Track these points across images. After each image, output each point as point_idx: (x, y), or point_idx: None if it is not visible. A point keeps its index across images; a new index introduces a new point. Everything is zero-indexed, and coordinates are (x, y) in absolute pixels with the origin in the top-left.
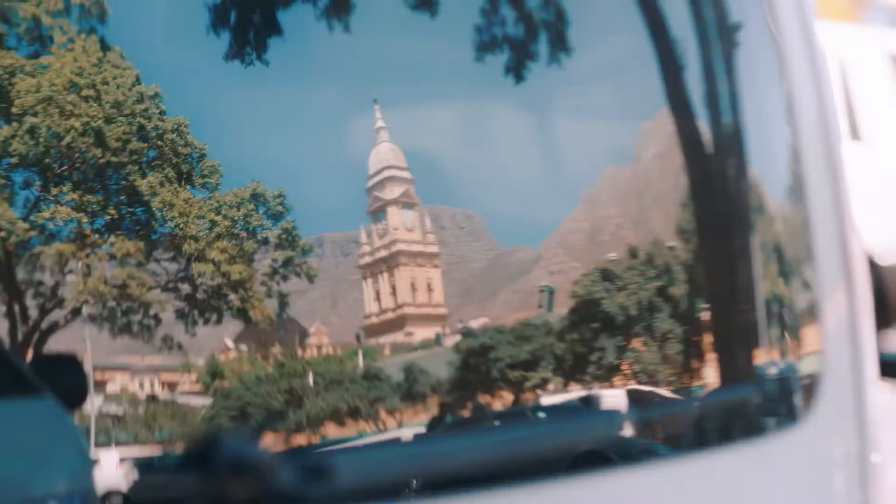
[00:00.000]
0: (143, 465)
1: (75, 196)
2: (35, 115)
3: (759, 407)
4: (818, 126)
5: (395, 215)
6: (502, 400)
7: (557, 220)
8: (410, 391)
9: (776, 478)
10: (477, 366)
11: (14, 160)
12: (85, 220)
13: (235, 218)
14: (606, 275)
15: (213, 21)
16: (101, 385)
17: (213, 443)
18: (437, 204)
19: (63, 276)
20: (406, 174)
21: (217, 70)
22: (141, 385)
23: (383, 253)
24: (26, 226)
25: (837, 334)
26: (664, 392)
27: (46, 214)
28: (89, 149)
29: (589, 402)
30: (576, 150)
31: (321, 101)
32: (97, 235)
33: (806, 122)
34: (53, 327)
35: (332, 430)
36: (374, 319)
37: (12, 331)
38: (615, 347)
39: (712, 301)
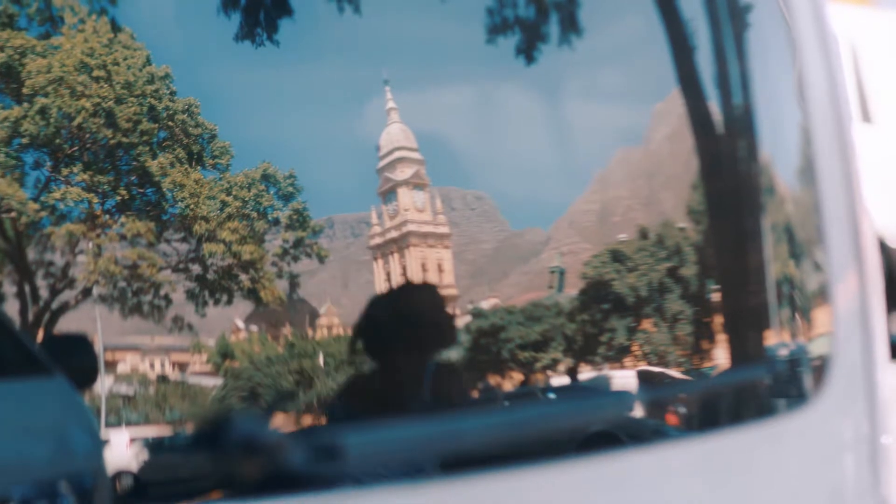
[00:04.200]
0: (154, 446)
1: (86, 176)
2: (46, 95)
3: (770, 388)
4: (829, 108)
5: (405, 196)
6: (512, 380)
7: (568, 202)
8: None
9: (786, 459)
10: (487, 346)
11: (25, 140)
12: (95, 200)
13: (246, 198)
14: (617, 256)
15: (224, 1)
16: (111, 365)
17: (224, 423)
18: (447, 185)
19: (73, 257)
20: (417, 155)
21: (228, 50)
22: (151, 365)
23: (394, 234)
24: (37, 206)
25: (848, 316)
26: (674, 373)
27: (57, 195)
28: (100, 129)
29: (600, 383)
30: (587, 131)
31: (332, 82)
32: (108, 216)
33: (817, 104)
34: (64, 308)
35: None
36: None
37: (23, 311)
38: (626, 328)
39: (723, 282)
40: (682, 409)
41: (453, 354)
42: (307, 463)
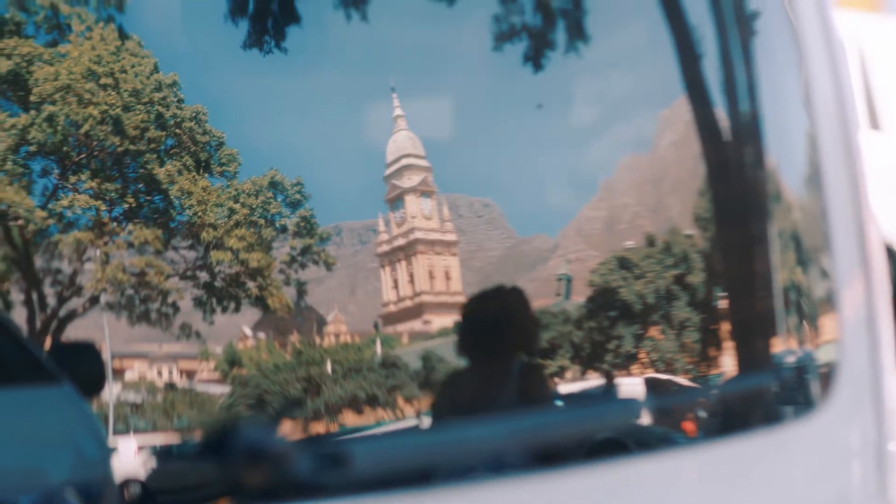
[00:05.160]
0: (162, 453)
1: (93, 184)
2: (53, 103)
3: (777, 395)
4: (835, 114)
5: (412, 203)
6: None
7: (575, 209)
8: (428, 379)
9: (793, 466)
10: None
11: (32, 148)
12: (103, 208)
13: (254, 206)
14: (624, 263)
15: (232, 9)
16: (119, 373)
17: (231, 431)
18: (454, 192)
19: (81, 265)
20: (424, 162)
21: (235, 58)
22: (159, 373)
23: (401, 241)
24: (44, 214)
25: (855, 323)
26: (682, 380)
27: (65, 202)
28: (107, 137)
29: (607, 390)
30: (593, 138)
31: (339, 90)
32: (115, 223)
33: (823, 110)
34: (72, 315)
35: (350, 419)
36: (392, 307)
37: (31, 319)
38: (633, 336)
39: (729, 289)
40: (690, 417)
41: (536, 356)
42: (314, 471)
